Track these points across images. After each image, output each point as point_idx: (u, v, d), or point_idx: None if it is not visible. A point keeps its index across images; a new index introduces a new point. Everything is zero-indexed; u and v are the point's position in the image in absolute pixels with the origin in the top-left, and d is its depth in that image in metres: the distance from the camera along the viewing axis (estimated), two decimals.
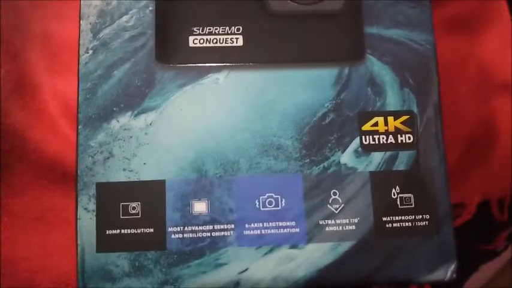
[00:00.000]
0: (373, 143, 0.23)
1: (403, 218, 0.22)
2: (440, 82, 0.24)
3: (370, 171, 0.22)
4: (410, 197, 0.23)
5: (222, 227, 0.22)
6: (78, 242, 0.21)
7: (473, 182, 0.37)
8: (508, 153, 0.37)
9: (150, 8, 0.23)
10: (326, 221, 0.22)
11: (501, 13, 0.38)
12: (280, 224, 0.22)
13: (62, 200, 0.32)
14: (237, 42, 0.23)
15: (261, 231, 0.22)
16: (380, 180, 0.22)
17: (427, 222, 0.22)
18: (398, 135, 0.23)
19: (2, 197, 0.32)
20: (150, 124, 0.22)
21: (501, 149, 0.37)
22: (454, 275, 0.22)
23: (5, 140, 0.33)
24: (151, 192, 0.22)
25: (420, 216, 0.22)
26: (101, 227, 0.22)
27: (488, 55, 0.38)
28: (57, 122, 0.32)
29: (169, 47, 0.23)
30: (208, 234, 0.22)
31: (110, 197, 0.22)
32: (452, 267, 0.22)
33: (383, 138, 0.23)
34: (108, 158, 0.22)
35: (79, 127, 0.22)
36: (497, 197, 0.37)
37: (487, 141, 0.37)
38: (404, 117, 0.23)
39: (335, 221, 0.22)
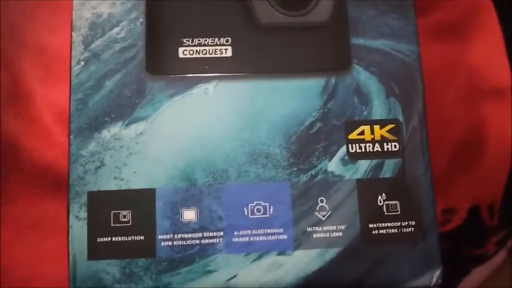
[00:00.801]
0: (360, 151, 0.23)
1: (389, 224, 0.23)
2: (425, 91, 0.24)
3: (356, 179, 0.23)
4: (396, 204, 0.23)
5: (211, 234, 0.22)
6: (70, 250, 0.22)
7: (463, 188, 0.37)
8: (498, 158, 0.38)
9: (141, 20, 0.24)
10: (313, 228, 0.23)
11: (490, 19, 0.39)
12: (269, 231, 0.22)
13: (56, 207, 0.32)
14: (226, 53, 0.24)
15: (249, 239, 0.22)
16: (366, 188, 0.23)
17: (412, 228, 0.23)
18: (385, 144, 0.23)
19: None
20: (141, 134, 0.23)
21: (490, 154, 0.38)
22: (440, 281, 0.23)
23: (0, 148, 0.33)
24: (142, 201, 0.22)
25: (406, 223, 0.23)
26: (92, 234, 0.22)
27: (477, 61, 0.39)
28: (50, 131, 0.33)
29: (159, 58, 0.23)
30: (198, 241, 0.22)
31: (101, 205, 0.22)
32: (438, 272, 0.23)
33: (369, 146, 0.23)
34: (100, 167, 0.22)
35: (71, 137, 0.23)
36: (487, 202, 0.37)
37: (477, 147, 0.38)
38: (390, 126, 0.23)
39: (322, 228, 0.23)
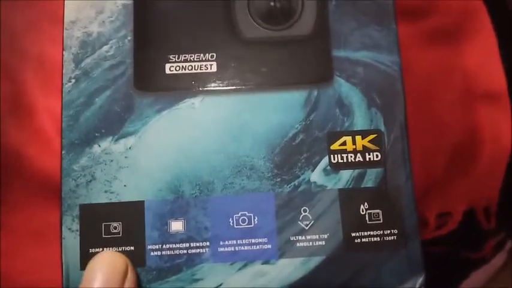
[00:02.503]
0: (342, 161, 0.24)
1: (371, 233, 0.23)
2: (406, 102, 0.24)
3: (339, 189, 0.24)
4: (378, 213, 0.24)
5: (197, 244, 0.23)
6: (63, 261, 0.23)
7: (458, 191, 0.38)
8: (493, 161, 0.38)
9: (129, 38, 0.24)
10: (297, 237, 0.23)
11: (484, 25, 0.39)
12: (253, 240, 0.23)
13: (57, 214, 0.33)
14: (211, 69, 0.24)
15: (234, 248, 0.23)
16: (349, 197, 0.23)
17: (395, 237, 0.23)
18: (366, 154, 0.24)
19: (1, 214, 0.34)
20: (130, 148, 0.24)
21: (486, 157, 0.38)
22: (423, 287, 0.23)
23: (2, 158, 0.34)
24: (132, 213, 0.23)
25: (388, 231, 0.23)
26: (84, 246, 0.23)
27: (472, 65, 0.39)
28: (51, 140, 0.34)
29: (146, 75, 0.24)
30: (185, 251, 0.23)
31: (93, 217, 0.23)
32: (421, 279, 0.23)
33: (351, 156, 0.24)
34: (91, 181, 0.23)
35: (63, 152, 0.24)
36: (482, 205, 0.38)
37: (472, 150, 0.38)
38: (372, 136, 0.24)
39: (305, 237, 0.23)
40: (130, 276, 0.22)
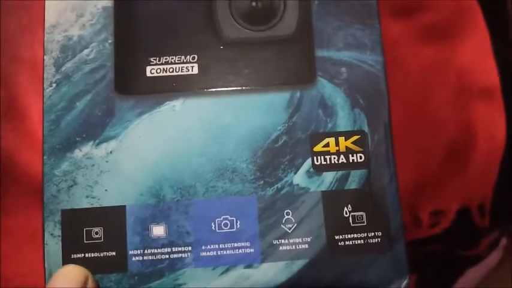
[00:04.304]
0: (325, 163, 0.23)
1: (355, 235, 0.23)
2: (390, 102, 0.24)
3: (322, 191, 0.23)
4: (362, 215, 0.23)
5: (179, 249, 0.23)
6: (46, 266, 0.23)
7: (452, 189, 0.37)
8: (487, 159, 0.37)
9: (110, 41, 0.24)
10: (280, 240, 0.23)
11: (477, 22, 0.38)
12: (236, 244, 0.23)
13: None
14: (192, 70, 0.24)
15: (217, 253, 0.23)
16: (332, 199, 0.23)
17: (379, 239, 0.23)
18: (350, 155, 0.24)
19: None
20: (111, 152, 0.23)
21: (480, 155, 0.37)
22: None
23: None
24: (113, 218, 0.23)
25: (372, 234, 0.23)
26: (66, 251, 0.23)
27: (466, 62, 0.38)
28: None
29: (127, 78, 0.24)
30: (167, 256, 0.23)
31: (74, 222, 0.23)
32: (405, 282, 0.23)
33: (334, 158, 0.24)
34: (72, 185, 0.23)
35: (44, 157, 0.23)
36: (477, 202, 0.37)
37: (466, 148, 0.38)
38: (355, 137, 0.24)
39: (288, 240, 0.23)
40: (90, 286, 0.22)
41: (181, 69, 0.24)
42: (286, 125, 0.24)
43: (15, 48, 0.35)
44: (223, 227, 0.23)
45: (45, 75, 0.24)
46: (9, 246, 0.34)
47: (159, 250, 0.23)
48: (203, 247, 0.23)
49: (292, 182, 0.23)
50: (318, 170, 0.23)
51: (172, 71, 0.24)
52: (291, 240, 0.23)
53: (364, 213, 0.23)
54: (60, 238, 0.23)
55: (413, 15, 0.39)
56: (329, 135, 0.24)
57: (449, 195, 0.37)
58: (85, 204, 0.23)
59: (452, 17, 0.38)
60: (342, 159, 0.23)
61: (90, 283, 0.22)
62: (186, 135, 0.24)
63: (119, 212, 0.23)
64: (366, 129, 0.24)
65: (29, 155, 0.34)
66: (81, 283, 0.22)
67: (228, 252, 0.23)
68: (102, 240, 0.23)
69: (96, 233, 0.23)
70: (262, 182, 0.23)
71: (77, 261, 0.23)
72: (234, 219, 0.23)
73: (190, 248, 0.23)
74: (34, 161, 0.34)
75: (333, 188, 0.23)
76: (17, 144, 0.34)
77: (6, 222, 0.34)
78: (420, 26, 0.38)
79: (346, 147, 0.24)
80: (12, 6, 0.35)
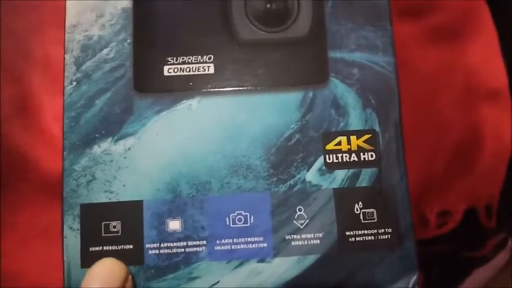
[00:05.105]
0: (337, 161, 0.24)
1: (366, 232, 0.24)
2: (408, 101, 0.25)
3: (333, 188, 0.24)
4: (373, 212, 0.24)
5: (194, 243, 0.24)
6: (65, 259, 0.23)
7: (460, 190, 0.38)
8: (494, 159, 0.38)
9: (128, 41, 0.25)
10: (292, 236, 0.24)
11: (485, 23, 0.39)
12: (249, 239, 0.24)
13: None
14: (208, 70, 0.25)
15: (231, 247, 0.24)
16: (343, 197, 0.24)
17: (389, 235, 0.24)
18: (361, 153, 0.24)
19: (6, 213, 0.34)
20: (129, 149, 0.24)
21: (487, 155, 0.38)
22: (416, 286, 0.23)
23: (8, 160, 0.35)
24: (130, 212, 0.24)
25: (382, 230, 0.24)
26: (84, 244, 0.24)
27: (474, 64, 0.39)
28: (57, 141, 0.34)
29: (145, 77, 0.25)
30: (182, 250, 0.24)
31: (93, 216, 0.24)
32: (414, 278, 0.23)
33: (346, 156, 0.24)
34: (91, 181, 0.24)
35: (64, 153, 0.24)
36: (484, 203, 0.38)
37: (474, 149, 0.38)
38: (367, 136, 0.24)
39: (300, 235, 0.24)
40: (129, 285, 0.22)
41: (198, 69, 0.25)
42: (299, 123, 0.24)
43: (27, 48, 0.36)
44: (237, 222, 0.24)
45: (65, 74, 0.25)
46: (17, 244, 0.34)
47: (175, 244, 0.24)
48: (217, 241, 0.24)
49: (304, 179, 0.24)
50: (330, 167, 0.24)
51: (189, 71, 0.25)
52: (303, 236, 0.24)
53: (375, 210, 0.24)
54: (78, 232, 0.24)
55: (422, 16, 0.39)
56: (341, 134, 0.24)
57: (456, 195, 0.38)
58: (103, 198, 0.24)
59: (461, 17, 0.39)
60: (354, 157, 0.24)
61: (130, 281, 0.22)
62: (202, 133, 0.24)
63: (136, 206, 0.24)
64: (377, 128, 0.24)
65: (41, 152, 0.35)
66: (122, 281, 0.22)
67: (242, 246, 0.23)
68: (120, 233, 0.24)
69: (114, 226, 0.24)
70: (275, 178, 0.24)
71: (95, 254, 0.23)
72: (248, 214, 0.24)
73: (205, 242, 0.24)
74: (46, 158, 0.35)
75: (345, 186, 0.24)
76: (29, 141, 0.35)
77: (15, 219, 0.34)
78: (429, 27, 0.39)
79: (357, 145, 0.24)
80: (20, 7, 0.36)
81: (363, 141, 0.24)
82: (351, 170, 0.24)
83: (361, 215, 0.24)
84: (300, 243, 0.24)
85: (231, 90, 0.25)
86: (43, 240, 0.34)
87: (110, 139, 0.24)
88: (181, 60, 0.25)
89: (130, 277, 0.23)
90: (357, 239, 0.24)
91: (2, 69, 0.35)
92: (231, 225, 0.24)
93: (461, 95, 0.38)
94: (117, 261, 0.23)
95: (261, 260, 0.23)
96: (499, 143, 0.38)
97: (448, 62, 0.39)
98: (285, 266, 0.23)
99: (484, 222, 0.37)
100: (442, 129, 0.38)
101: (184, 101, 0.25)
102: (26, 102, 0.35)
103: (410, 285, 0.23)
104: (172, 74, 0.25)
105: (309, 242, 0.24)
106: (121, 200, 0.24)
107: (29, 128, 0.35)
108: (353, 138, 0.24)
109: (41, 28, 0.36)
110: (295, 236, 0.24)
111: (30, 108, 0.35)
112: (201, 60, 0.25)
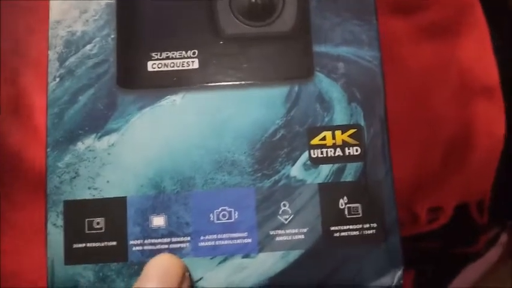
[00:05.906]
0: (322, 156, 0.24)
1: (350, 227, 0.24)
2: (391, 98, 0.25)
3: (318, 183, 0.24)
4: (357, 207, 0.24)
5: (178, 239, 0.23)
6: (48, 256, 0.23)
7: (450, 186, 0.38)
8: (487, 155, 0.38)
9: (112, 36, 0.25)
10: (276, 231, 0.23)
11: (477, 19, 0.39)
12: (233, 235, 0.23)
13: None
14: (193, 65, 0.25)
15: (215, 243, 0.23)
16: (328, 191, 0.24)
17: (374, 230, 0.24)
18: (346, 148, 0.24)
19: (5, 211, 0.34)
20: (113, 145, 0.24)
21: (480, 151, 0.38)
22: (401, 281, 0.23)
23: (4, 159, 0.35)
24: (114, 208, 0.24)
25: (367, 225, 0.24)
26: (68, 241, 0.23)
27: (468, 60, 0.39)
28: None
29: (129, 73, 0.25)
30: (166, 246, 0.23)
31: (76, 213, 0.24)
32: (399, 273, 0.23)
33: (331, 151, 0.24)
34: (75, 177, 0.24)
35: (48, 150, 0.24)
36: (475, 199, 0.38)
37: (466, 145, 0.38)
38: (352, 131, 0.24)
39: (285, 231, 0.23)
40: (186, 283, 0.22)
41: (182, 64, 0.25)
42: (284, 118, 0.24)
43: (24, 48, 0.36)
44: (221, 217, 0.24)
45: (49, 70, 0.25)
46: (17, 241, 0.34)
47: (159, 240, 0.23)
48: (202, 237, 0.23)
49: (289, 175, 0.24)
50: (315, 162, 0.24)
51: (173, 66, 0.25)
52: (288, 231, 0.23)
53: (360, 205, 0.24)
54: (62, 228, 0.24)
55: (415, 13, 0.39)
56: (326, 128, 0.24)
57: (448, 191, 0.38)
58: (87, 195, 0.24)
59: (453, 13, 0.39)
60: (338, 152, 0.24)
61: (186, 282, 0.22)
62: (186, 129, 0.24)
63: (120, 203, 0.24)
64: (362, 123, 0.24)
65: (34, 151, 0.35)
66: (180, 279, 0.21)
67: (226, 242, 0.23)
68: (104, 230, 0.23)
69: (98, 223, 0.24)
70: (260, 174, 0.24)
71: (78, 251, 0.23)
72: (232, 210, 0.24)
73: (189, 238, 0.23)
74: (39, 156, 0.35)
75: (329, 181, 0.24)
76: (23, 140, 0.35)
77: (14, 217, 0.34)
78: (422, 23, 0.39)
79: (342, 140, 0.24)
80: (20, 7, 0.36)
81: (348, 136, 0.24)
82: (336, 165, 0.24)
83: (346, 210, 0.24)
84: (285, 239, 0.23)
85: (215, 86, 0.25)
86: (41, 237, 0.34)
87: (93, 135, 0.24)
88: (165, 55, 0.25)
89: (187, 274, 0.22)
90: (342, 234, 0.23)
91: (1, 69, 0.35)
92: (215, 221, 0.24)
93: (455, 91, 0.38)
94: (174, 257, 0.22)
95: (246, 256, 0.23)
96: (491, 139, 0.37)
97: (441, 58, 0.39)
98: (270, 262, 0.23)
99: (475, 218, 0.37)
100: (435, 125, 0.38)
101: (168, 96, 0.24)
102: (20, 101, 0.35)
103: (395, 281, 0.23)
104: (156, 69, 0.25)
105: (294, 237, 0.23)
106: (105, 196, 0.24)
107: (22, 127, 0.35)
108: (338, 133, 0.24)
109: (39, 28, 0.36)
110: (279, 232, 0.23)
111: (23, 108, 0.35)
112: (185, 56, 0.25)
